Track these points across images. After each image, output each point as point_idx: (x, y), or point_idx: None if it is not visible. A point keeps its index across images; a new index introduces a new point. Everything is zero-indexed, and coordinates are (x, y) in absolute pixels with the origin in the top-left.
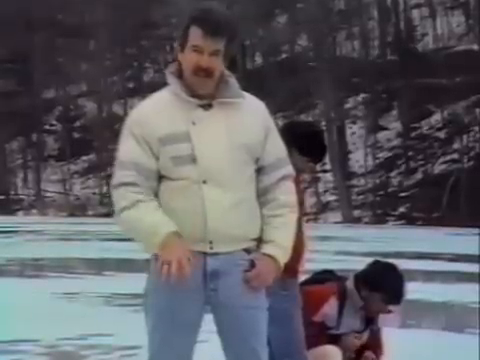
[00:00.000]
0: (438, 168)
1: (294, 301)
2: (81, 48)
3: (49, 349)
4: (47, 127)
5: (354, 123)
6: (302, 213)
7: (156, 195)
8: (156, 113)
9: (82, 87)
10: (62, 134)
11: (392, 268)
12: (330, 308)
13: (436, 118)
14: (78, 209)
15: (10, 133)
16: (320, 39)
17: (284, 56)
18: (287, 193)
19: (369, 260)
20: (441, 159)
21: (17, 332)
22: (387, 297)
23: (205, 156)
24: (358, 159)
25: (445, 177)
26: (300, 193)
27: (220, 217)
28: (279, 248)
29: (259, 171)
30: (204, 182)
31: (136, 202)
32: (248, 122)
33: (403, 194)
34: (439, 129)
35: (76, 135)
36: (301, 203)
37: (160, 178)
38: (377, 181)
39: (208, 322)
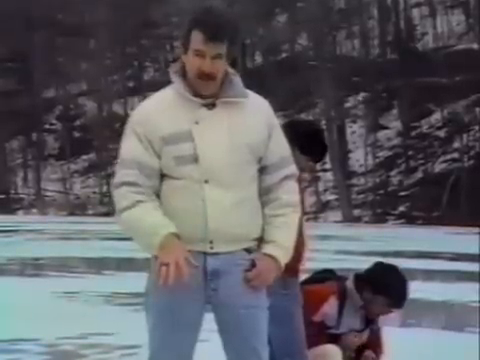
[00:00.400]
0: (438, 167)
1: (295, 300)
2: (81, 47)
3: (49, 348)
4: (47, 126)
5: (354, 122)
6: (302, 212)
7: (158, 194)
8: (159, 112)
9: (82, 86)
10: (62, 133)
11: (395, 271)
12: (330, 308)
13: (436, 117)
14: (78, 208)
15: (10, 132)
16: (320, 38)
17: (284, 55)
18: (290, 193)
19: (369, 259)
20: (441, 158)
21: (17, 331)
22: (391, 301)
23: (207, 155)
24: (358, 158)
25: (445, 176)
26: (300, 192)
27: (221, 217)
28: (280, 248)
29: (262, 170)
30: (206, 182)
31: (136, 202)
32: (251, 122)
33: (403, 193)
34: (439, 128)
35: (76, 134)
36: (301, 202)
37: (162, 177)
38: (377, 180)
39: (209, 321)
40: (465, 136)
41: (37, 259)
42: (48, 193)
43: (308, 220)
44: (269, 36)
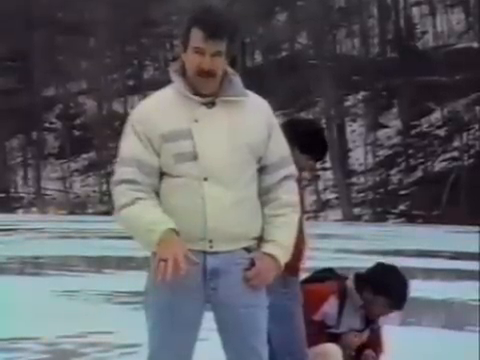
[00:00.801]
0: (438, 166)
1: (295, 299)
2: (81, 46)
3: (49, 347)
4: (47, 125)
5: (354, 121)
6: (302, 211)
7: (157, 193)
8: (159, 110)
9: (82, 85)
10: (62, 132)
11: (396, 272)
12: (330, 307)
13: (436, 116)
14: (78, 207)
15: (10, 131)
16: (320, 37)
17: (284, 54)
18: (290, 192)
19: (369, 258)
20: (441, 157)
21: (17, 330)
22: (391, 302)
23: (206, 153)
24: (358, 157)
25: (445, 175)
26: (300, 191)
27: (220, 216)
28: (280, 248)
29: (261, 170)
30: (205, 179)
31: (135, 200)
32: (251, 121)
33: (403, 192)
34: (439, 127)
35: (76, 133)
36: (301, 201)
37: (162, 176)
38: (377, 179)
39: (208, 320)
40: (465, 135)
41: (37, 258)
42: (48, 192)
43: (308, 219)
44: (269, 35)
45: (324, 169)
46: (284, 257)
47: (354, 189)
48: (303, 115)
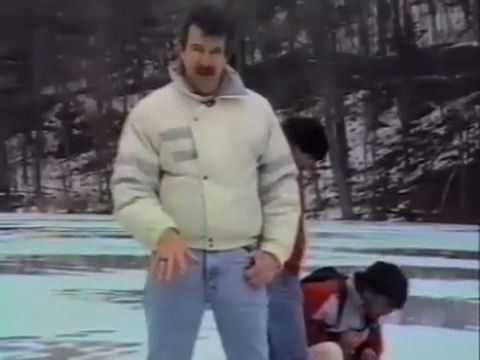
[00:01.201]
0: (438, 165)
1: (295, 298)
2: (81, 45)
3: (49, 346)
4: (47, 124)
5: (354, 120)
6: (302, 210)
7: (157, 191)
8: (158, 109)
9: (82, 84)
10: (62, 131)
11: (395, 271)
12: (330, 306)
13: (436, 115)
14: (78, 206)
15: (10, 130)
16: (320, 36)
17: (284, 53)
18: (290, 191)
19: (369, 257)
20: (441, 156)
21: (17, 329)
22: (391, 301)
23: (206, 152)
24: (358, 156)
25: (445, 174)
26: (300, 190)
27: (220, 214)
28: (280, 246)
29: (261, 169)
30: (205, 178)
31: (135, 198)
32: (251, 119)
33: (403, 191)
34: (439, 126)
35: (76, 132)
36: (301, 200)
37: (161, 174)
38: (377, 178)
39: (208, 319)
40: (465, 134)
41: (37, 257)
42: (48, 191)
43: (308, 218)
44: (268, 34)
45: (324, 168)
46: (284, 256)
47: (354, 188)
48: (303, 114)
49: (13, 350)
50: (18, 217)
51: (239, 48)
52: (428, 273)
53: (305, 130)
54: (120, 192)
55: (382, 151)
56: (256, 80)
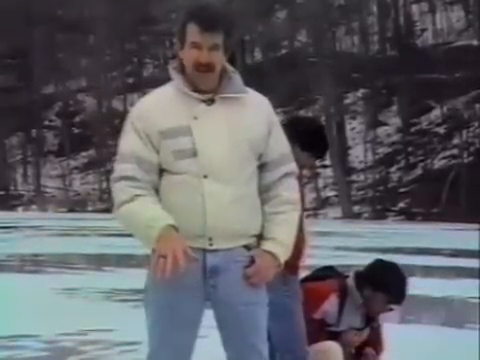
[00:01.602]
0: (438, 163)
1: (295, 296)
2: (81, 44)
3: (49, 344)
4: (47, 123)
5: (354, 118)
6: (302, 209)
7: (156, 189)
8: (158, 107)
9: (82, 82)
10: (62, 130)
11: (395, 268)
12: (330, 305)
13: (436, 113)
14: (78, 205)
15: (10, 128)
16: (320, 34)
17: (284, 51)
18: (290, 190)
19: (369, 255)
20: (441, 154)
21: (17, 327)
22: (390, 298)
23: (206, 150)
24: (358, 154)
25: (445, 172)
26: (300, 188)
27: (220, 213)
28: (280, 245)
29: (262, 167)
30: (205, 177)
31: (135, 196)
32: (251, 118)
33: (403, 189)
34: (439, 124)
35: (76, 131)
36: (301, 199)
37: (161, 173)
38: (377, 176)
39: (208, 317)
40: (465, 132)
41: (37, 255)
42: (48, 189)
43: (308, 216)
44: (268, 32)
45: (324, 166)
46: (284, 255)
47: (354, 187)
48: (303, 113)
49: (13, 349)
50: (18, 216)
51: (239, 47)
52: (428, 272)
53: (305, 129)
54: (120, 190)
55: (382, 150)
56: (256, 79)
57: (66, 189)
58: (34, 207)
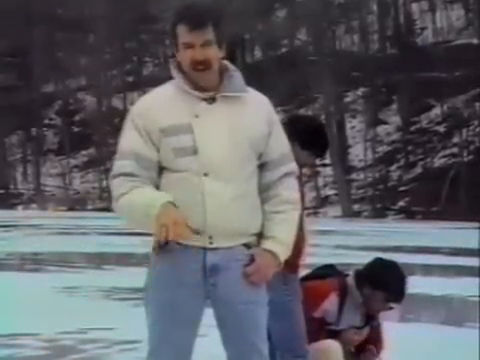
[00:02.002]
0: (438, 162)
1: (295, 295)
2: (80, 42)
3: (49, 343)
4: (47, 121)
5: (354, 117)
6: (302, 207)
7: (156, 187)
8: (159, 105)
9: (81, 81)
10: (61, 128)
11: (394, 266)
12: (330, 304)
13: (436, 112)
14: (78, 203)
15: (10, 127)
16: (319, 33)
17: (284, 50)
18: (290, 189)
19: (369, 254)
20: (441, 153)
21: (17, 326)
22: (389, 296)
23: (206, 148)
24: (358, 153)
25: (445, 171)
26: (300, 187)
27: (220, 211)
28: (280, 244)
29: (262, 167)
30: (205, 175)
31: (133, 188)
32: (251, 116)
33: (403, 188)
34: (439, 123)
35: (75, 129)
36: (302, 198)
37: (161, 170)
38: (377, 175)
39: (208, 316)
40: (465, 131)
41: (36, 254)
42: (47, 188)
43: (308, 215)
44: (268, 31)
45: (324, 165)
46: (284, 254)
47: (354, 185)
48: (302, 111)
49: (13, 347)
50: (18, 214)
51: (239, 45)
52: (428, 270)
53: (305, 128)
54: (118, 185)
55: (382, 148)
56: (256, 78)
57: (66, 188)
58: (34, 206)
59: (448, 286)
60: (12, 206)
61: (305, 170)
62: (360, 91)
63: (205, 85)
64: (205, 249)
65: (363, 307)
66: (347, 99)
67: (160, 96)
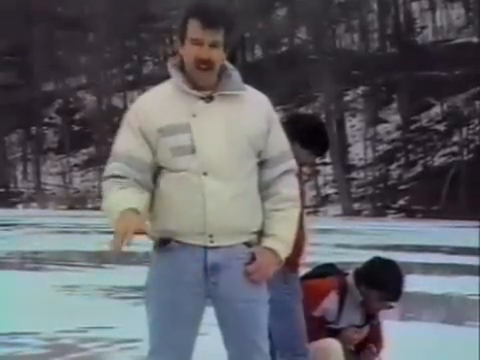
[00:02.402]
0: (438, 161)
1: (295, 294)
2: (80, 41)
3: (49, 342)
4: (47, 120)
5: (354, 116)
6: (302, 206)
7: (149, 188)
8: (157, 105)
9: (81, 80)
10: (61, 127)
11: (391, 265)
12: (330, 303)
13: (436, 111)
14: (78, 202)
15: (10, 126)
16: (320, 32)
17: (284, 49)
18: (290, 187)
19: (369, 253)
20: (441, 152)
21: (17, 325)
22: (385, 295)
23: (204, 147)
24: (358, 152)
25: (445, 170)
26: (301, 186)
27: (220, 210)
28: (280, 242)
29: (262, 165)
30: (204, 174)
31: (118, 190)
32: (250, 114)
33: (403, 187)
34: (439, 122)
35: (75, 128)
36: (302, 196)
37: (160, 171)
38: (377, 174)
39: (208, 315)
40: (465, 130)
41: (37, 253)
42: (48, 187)
43: (308, 214)
44: (268, 30)
45: (324, 164)
46: (284, 252)
47: (354, 184)
48: (302, 110)
49: (13, 346)
50: (18, 213)
51: (239, 44)
52: (428, 269)
53: (306, 126)
54: (107, 188)
55: (382, 147)
56: (256, 76)
57: (66, 186)
58: (34, 204)
59: (448, 285)
60: (12, 205)
61: (305, 169)
62: (360, 90)
63: (203, 84)
64: (206, 248)
65: (363, 306)
66: (347, 98)
67: (158, 96)
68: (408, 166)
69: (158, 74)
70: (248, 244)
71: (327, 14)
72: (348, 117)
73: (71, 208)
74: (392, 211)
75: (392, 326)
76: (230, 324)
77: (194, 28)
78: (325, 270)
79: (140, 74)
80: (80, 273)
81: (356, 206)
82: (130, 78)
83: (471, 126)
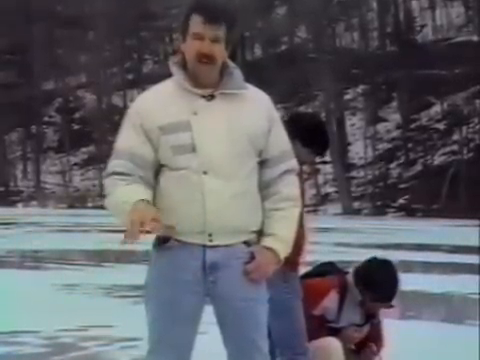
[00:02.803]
0: (438, 160)
1: (295, 293)
2: (80, 40)
3: (49, 340)
4: (46, 119)
5: (353, 114)
6: (302, 205)
7: (151, 186)
8: (158, 103)
9: (81, 79)
10: (61, 126)
11: (385, 266)
12: (330, 302)
13: (436, 109)
14: (78, 201)
15: (9, 125)
16: (319, 30)
17: (283, 47)
18: (290, 186)
19: (369, 252)
20: (441, 151)
21: (17, 323)
22: (377, 296)
23: (205, 146)
24: (358, 151)
25: (445, 169)
26: (301, 185)
27: (219, 209)
28: (280, 242)
29: (262, 164)
30: (205, 173)
31: (122, 186)
32: (251, 113)
33: (403, 186)
34: (439, 120)
35: (75, 127)
36: (302, 195)
37: (161, 169)
38: (377, 173)
39: (208, 313)
40: (465, 128)
41: (37, 251)
42: (47, 186)
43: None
44: (268, 29)
45: (324, 163)
46: (284, 251)
47: (354, 183)
48: (302, 109)
49: (13, 345)
50: (18, 212)
51: (239, 43)
52: (428, 268)
53: (306, 125)
54: (110, 184)
55: (382, 146)
56: (256, 75)
57: (66, 185)
58: (34, 203)
59: (448, 283)
60: (12, 203)
61: (305, 168)
62: (360, 88)
63: (205, 81)
64: (205, 247)
65: (362, 305)
66: (347, 96)
67: (159, 94)
68: (408, 165)
69: (158, 73)
70: (247, 243)
71: (327, 13)
72: (348, 116)
73: (71, 207)
74: (392, 210)
75: (392, 325)
76: (229, 323)
77: (196, 23)
78: (325, 269)
79: (140, 73)
80: (80, 272)
81: (356, 205)
82: (130, 77)
83: (471, 125)
